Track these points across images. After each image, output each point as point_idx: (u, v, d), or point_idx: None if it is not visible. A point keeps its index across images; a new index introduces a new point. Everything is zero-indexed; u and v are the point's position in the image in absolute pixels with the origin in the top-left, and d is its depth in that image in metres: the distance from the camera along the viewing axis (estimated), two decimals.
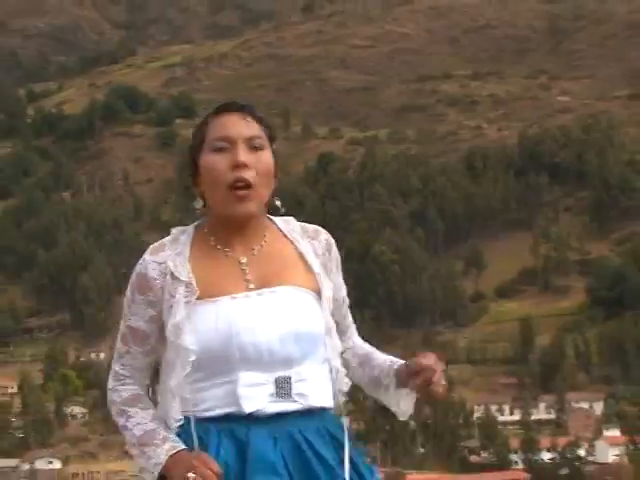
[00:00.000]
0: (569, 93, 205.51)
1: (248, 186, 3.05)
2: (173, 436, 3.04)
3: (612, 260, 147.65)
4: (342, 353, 3.24)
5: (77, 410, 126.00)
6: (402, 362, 3.26)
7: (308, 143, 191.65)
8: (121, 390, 3.18)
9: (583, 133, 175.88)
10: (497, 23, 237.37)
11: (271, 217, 3.23)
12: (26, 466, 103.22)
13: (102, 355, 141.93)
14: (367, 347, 3.42)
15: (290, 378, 3.02)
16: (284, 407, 3.02)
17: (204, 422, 3.04)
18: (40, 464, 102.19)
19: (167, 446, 3.01)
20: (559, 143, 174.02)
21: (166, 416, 3.10)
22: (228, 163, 3.05)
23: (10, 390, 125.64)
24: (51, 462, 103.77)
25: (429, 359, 3.16)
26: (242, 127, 3.10)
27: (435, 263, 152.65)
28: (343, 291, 3.30)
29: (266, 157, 3.10)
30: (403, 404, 3.27)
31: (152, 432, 3.07)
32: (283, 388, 3.02)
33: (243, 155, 3.06)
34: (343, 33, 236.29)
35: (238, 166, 3.04)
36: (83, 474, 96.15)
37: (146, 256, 3.15)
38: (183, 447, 3.00)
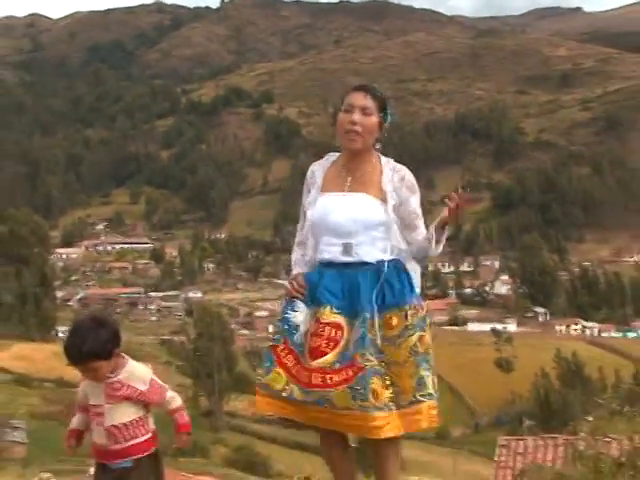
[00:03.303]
0: (482, 90, 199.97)
1: (356, 133, 3.07)
2: (302, 265, 3.15)
3: (505, 183, 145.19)
4: (408, 237, 3.18)
5: (210, 266, 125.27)
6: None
7: (336, 118, 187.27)
8: (296, 236, 3.26)
9: (490, 112, 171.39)
10: (442, 50, 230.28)
11: (382, 156, 3.21)
12: (183, 295, 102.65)
13: (222, 235, 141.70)
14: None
15: (352, 244, 3.02)
16: (347, 259, 3.03)
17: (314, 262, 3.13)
18: (190, 294, 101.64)
19: (296, 269, 3.13)
20: (476, 118, 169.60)
21: (307, 254, 3.15)
22: (348, 119, 3.10)
23: (173, 254, 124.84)
24: (196, 293, 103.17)
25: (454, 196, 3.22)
26: (360, 100, 3.12)
27: None
28: (411, 205, 3.18)
29: (370, 120, 3.10)
30: (436, 236, 3.16)
31: (295, 261, 3.17)
32: (347, 249, 3.02)
33: (356, 116, 3.09)
34: (356, 55, 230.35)
35: (352, 122, 3.08)
36: (212, 300, 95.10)
37: (311, 166, 3.24)
38: (301, 272, 3.13)
